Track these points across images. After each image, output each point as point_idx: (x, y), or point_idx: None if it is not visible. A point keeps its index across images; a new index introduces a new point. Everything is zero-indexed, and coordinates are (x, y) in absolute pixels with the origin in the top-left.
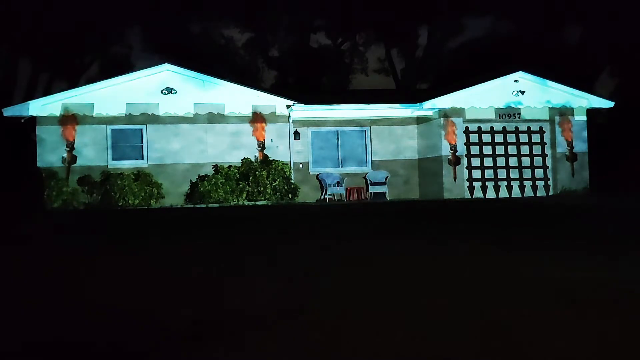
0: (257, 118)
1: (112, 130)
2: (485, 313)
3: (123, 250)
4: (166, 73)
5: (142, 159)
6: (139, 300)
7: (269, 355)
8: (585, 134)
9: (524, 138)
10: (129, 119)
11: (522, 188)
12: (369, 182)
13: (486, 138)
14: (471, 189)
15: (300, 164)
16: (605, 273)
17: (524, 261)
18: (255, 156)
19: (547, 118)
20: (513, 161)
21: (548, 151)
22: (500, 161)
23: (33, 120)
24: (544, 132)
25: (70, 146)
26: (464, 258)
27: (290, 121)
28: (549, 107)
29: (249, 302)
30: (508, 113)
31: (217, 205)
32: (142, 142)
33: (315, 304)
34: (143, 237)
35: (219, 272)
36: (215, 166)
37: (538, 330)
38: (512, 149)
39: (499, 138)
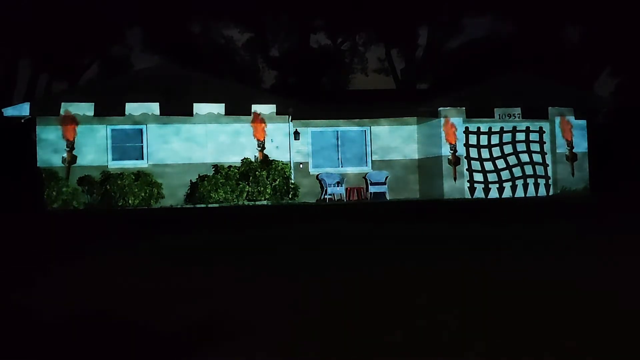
0: (257, 118)
1: (112, 130)
2: None
3: None
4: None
5: (142, 159)
6: None
7: None
8: (585, 133)
9: (524, 138)
10: (129, 118)
11: (523, 187)
12: (369, 182)
13: (486, 138)
14: (471, 189)
15: (300, 164)
16: None
17: None
18: (255, 156)
19: (547, 118)
20: (513, 161)
21: (548, 151)
22: (501, 161)
23: (33, 120)
24: (544, 132)
25: (70, 146)
26: None
27: (290, 121)
28: (549, 107)
29: None
30: (508, 113)
31: (217, 205)
32: (142, 142)
33: None
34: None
35: None
36: (215, 166)
37: None
38: (512, 149)
39: (499, 138)
